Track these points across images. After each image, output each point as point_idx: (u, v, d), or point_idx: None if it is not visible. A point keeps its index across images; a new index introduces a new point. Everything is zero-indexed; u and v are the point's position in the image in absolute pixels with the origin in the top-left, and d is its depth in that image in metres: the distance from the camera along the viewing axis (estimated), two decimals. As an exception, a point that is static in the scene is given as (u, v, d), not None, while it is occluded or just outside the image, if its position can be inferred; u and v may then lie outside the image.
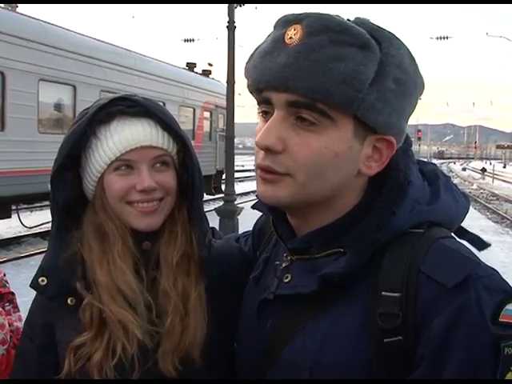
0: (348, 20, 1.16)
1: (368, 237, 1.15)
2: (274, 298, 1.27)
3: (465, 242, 1.24)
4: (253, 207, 1.44)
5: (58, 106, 13.61)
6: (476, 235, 1.30)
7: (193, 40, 36.00)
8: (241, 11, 13.47)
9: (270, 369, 1.24)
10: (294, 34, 1.11)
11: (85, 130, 1.44)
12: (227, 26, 12.61)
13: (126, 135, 1.43)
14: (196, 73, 21.59)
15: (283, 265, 1.30)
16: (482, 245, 1.27)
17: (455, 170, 73.75)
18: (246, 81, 1.23)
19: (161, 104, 1.57)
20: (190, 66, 21.47)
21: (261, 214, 1.52)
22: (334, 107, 1.09)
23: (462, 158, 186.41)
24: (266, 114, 1.19)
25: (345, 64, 1.07)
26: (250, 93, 1.23)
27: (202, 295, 1.48)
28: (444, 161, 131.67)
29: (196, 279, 1.49)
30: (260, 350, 1.27)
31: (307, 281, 1.19)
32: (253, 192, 30.06)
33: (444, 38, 42.97)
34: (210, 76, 22.81)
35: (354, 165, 1.17)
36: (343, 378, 1.11)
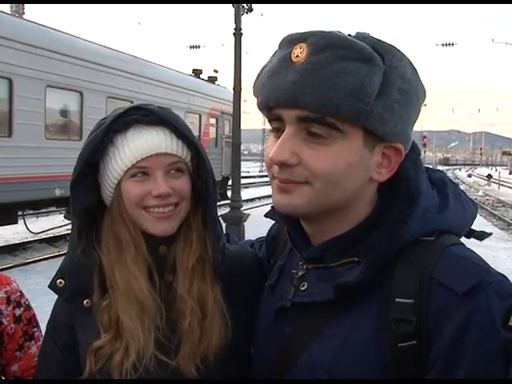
0: (349, 34, 1.20)
1: (381, 246, 1.18)
2: (291, 306, 1.31)
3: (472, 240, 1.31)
4: (266, 215, 1.48)
5: (65, 113, 13.66)
6: (480, 231, 1.35)
7: (198, 46, 36.10)
8: (247, 18, 13.47)
9: (286, 374, 1.27)
10: (300, 53, 1.15)
11: (102, 139, 1.48)
12: (234, 33, 12.67)
13: (141, 143, 1.47)
14: (202, 79, 21.65)
15: (299, 273, 1.33)
16: (483, 235, 1.33)
17: (461, 176, 73.60)
18: (252, 89, 1.28)
19: (171, 111, 1.60)
20: (196, 73, 21.52)
21: (271, 221, 1.56)
22: (343, 120, 1.13)
23: (468, 165, 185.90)
24: (277, 131, 1.22)
25: (351, 78, 1.11)
26: (260, 110, 1.27)
27: (220, 298, 1.52)
28: (449, 167, 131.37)
29: (212, 283, 1.53)
30: (277, 356, 1.31)
31: (323, 289, 1.23)
32: (258, 198, 30.06)
33: (449, 44, 42.96)
34: (216, 82, 22.88)
35: (365, 172, 1.21)
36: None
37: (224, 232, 1.68)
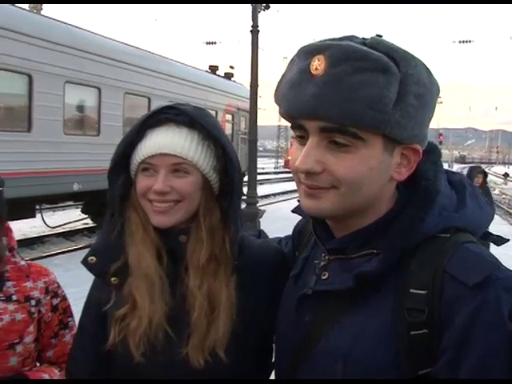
0: (364, 39, 1.26)
1: (399, 240, 1.25)
2: (312, 294, 1.38)
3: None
4: (293, 211, 1.57)
5: (83, 108, 13.75)
6: (497, 235, 1.41)
7: (215, 43, 36.18)
8: (263, 14, 13.53)
9: (305, 360, 1.35)
10: (318, 65, 1.21)
11: (137, 133, 1.61)
12: (251, 31, 12.72)
13: (151, 142, 1.59)
14: (218, 75, 21.69)
15: (321, 263, 1.41)
16: (501, 241, 1.40)
17: (477, 174, 72.58)
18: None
19: (206, 111, 1.70)
20: (213, 69, 21.53)
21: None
22: (364, 129, 1.20)
23: (484, 163, 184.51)
24: (301, 138, 1.30)
25: (370, 89, 1.17)
26: (283, 117, 1.34)
27: (232, 295, 1.61)
28: (465, 165, 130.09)
29: (226, 279, 1.62)
30: (297, 343, 1.38)
31: (343, 278, 1.30)
32: (273, 195, 30.07)
33: (467, 41, 42.80)
34: (232, 79, 22.90)
35: (386, 174, 1.28)
36: (373, 370, 1.21)
37: (261, 229, 1.78)
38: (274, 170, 58.30)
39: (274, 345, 1.63)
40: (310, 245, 1.56)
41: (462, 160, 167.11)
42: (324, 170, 1.25)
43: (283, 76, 1.33)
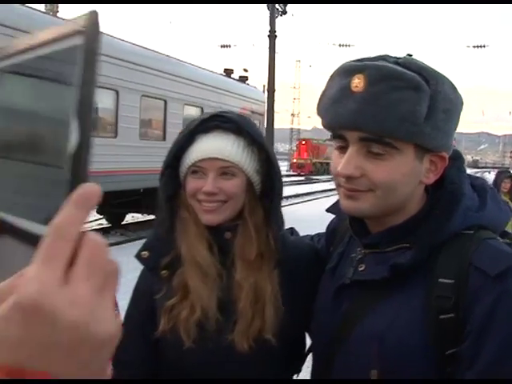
0: (396, 58, 1.43)
1: (429, 236, 1.42)
2: (349, 284, 1.53)
3: None
4: (327, 210, 1.73)
5: (101, 110, 13.78)
6: None
7: (229, 46, 36.31)
8: (281, 20, 13.67)
9: (342, 344, 1.50)
10: (358, 83, 1.38)
11: (188, 139, 1.76)
12: (268, 36, 12.87)
13: (201, 147, 1.73)
14: (233, 79, 21.77)
15: (358, 257, 1.57)
16: None
17: (490, 179, 72.33)
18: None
19: (249, 119, 1.86)
20: (228, 72, 21.57)
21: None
22: (399, 140, 1.37)
23: (497, 168, 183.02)
24: (341, 148, 1.47)
25: (404, 106, 1.34)
26: (325, 128, 1.52)
27: (276, 287, 1.74)
28: (478, 170, 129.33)
29: (270, 273, 1.75)
30: (334, 329, 1.53)
31: (379, 269, 1.46)
32: (286, 197, 30.08)
33: (481, 46, 42.81)
34: (246, 82, 22.90)
35: (416, 178, 1.45)
36: (406, 351, 1.36)
37: (292, 227, 1.97)
38: (286, 173, 58.39)
39: (308, 333, 1.80)
40: (345, 241, 1.70)
41: (474, 164, 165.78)
42: (362, 175, 1.41)
43: (324, 91, 1.51)
